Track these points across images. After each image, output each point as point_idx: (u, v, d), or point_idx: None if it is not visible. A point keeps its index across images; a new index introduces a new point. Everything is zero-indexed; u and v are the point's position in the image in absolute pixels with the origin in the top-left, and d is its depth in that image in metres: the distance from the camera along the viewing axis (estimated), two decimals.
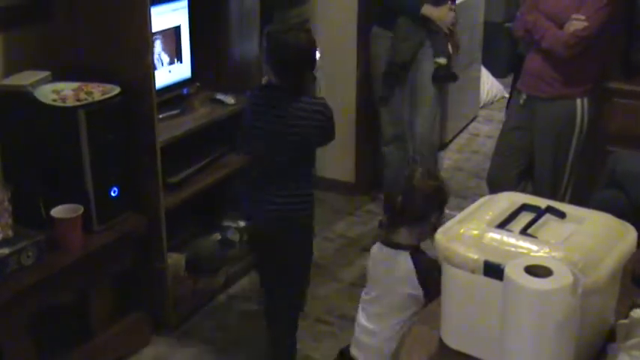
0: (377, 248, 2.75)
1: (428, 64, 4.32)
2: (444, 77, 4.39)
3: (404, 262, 2.60)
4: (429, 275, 2.44)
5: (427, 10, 4.20)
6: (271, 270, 3.28)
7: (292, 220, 3.15)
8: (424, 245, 2.68)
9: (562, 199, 3.71)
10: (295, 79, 3.07)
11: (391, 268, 2.65)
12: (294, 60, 3.05)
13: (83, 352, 3.25)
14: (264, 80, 3.85)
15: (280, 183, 3.10)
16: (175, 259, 3.71)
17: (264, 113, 3.07)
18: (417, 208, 2.62)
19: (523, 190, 3.82)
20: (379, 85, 4.47)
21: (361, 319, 2.76)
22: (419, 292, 2.56)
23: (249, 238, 3.63)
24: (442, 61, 4.30)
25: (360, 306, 2.83)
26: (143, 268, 3.48)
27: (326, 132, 3.17)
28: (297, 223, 3.18)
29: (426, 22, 4.24)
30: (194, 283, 3.87)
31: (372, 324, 2.71)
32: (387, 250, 2.69)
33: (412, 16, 4.22)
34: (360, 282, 4.07)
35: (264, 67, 3.30)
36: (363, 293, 2.84)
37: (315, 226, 3.42)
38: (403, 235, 2.65)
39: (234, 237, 4.19)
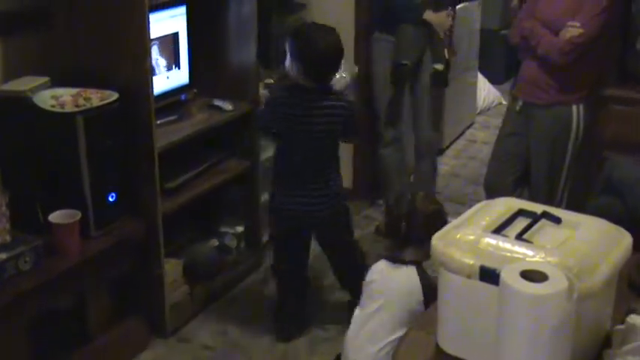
0: (383, 264, 2.78)
1: (428, 67, 4.38)
2: (438, 82, 4.44)
3: (410, 277, 2.64)
4: (433, 292, 2.46)
5: (427, 15, 4.24)
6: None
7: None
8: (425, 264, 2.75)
9: (558, 205, 3.72)
10: (327, 78, 3.32)
11: (397, 283, 2.67)
12: (326, 59, 3.28)
13: (81, 356, 3.25)
14: (273, 80, 4.19)
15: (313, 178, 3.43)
16: (173, 265, 3.71)
17: (298, 115, 3.32)
18: (420, 230, 2.67)
19: (519, 196, 3.83)
20: (381, 88, 4.52)
21: (352, 334, 2.78)
22: (421, 308, 2.58)
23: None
24: (439, 67, 4.32)
25: (354, 321, 2.84)
26: (141, 273, 3.48)
27: (351, 125, 3.43)
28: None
29: (428, 28, 4.27)
30: (191, 288, 3.87)
31: (368, 340, 2.73)
32: (393, 266, 2.71)
33: (415, 21, 4.25)
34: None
35: (287, 66, 3.36)
36: (357, 310, 2.86)
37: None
38: (409, 254, 2.69)
39: (232, 243, 4.19)
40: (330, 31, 3.30)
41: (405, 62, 4.28)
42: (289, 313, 3.71)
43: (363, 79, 4.65)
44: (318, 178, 3.44)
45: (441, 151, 5.76)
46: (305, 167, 3.42)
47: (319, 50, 3.25)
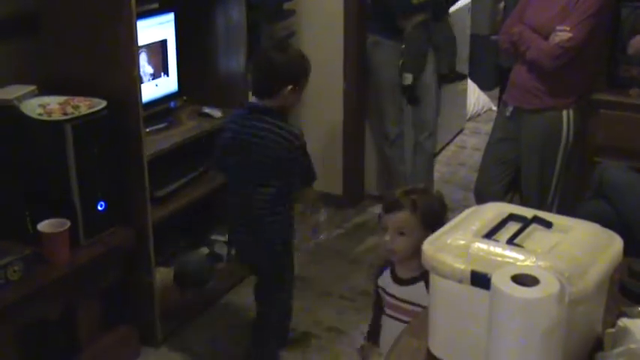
0: (394, 289, 2.61)
1: (430, 65, 4.54)
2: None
3: (422, 292, 2.47)
4: None
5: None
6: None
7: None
8: None
9: (549, 210, 3.71)
10: (263, 89, 3.13)
11: (414, 302, 2.54)
12: (261, 78, 3.14)
13: None
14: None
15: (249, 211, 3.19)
16: (163, 273, 3.71)
17: (238, 132, 3.15)
18: (436, 213, 2.53)
19: (510, 201, 3.84)
20: (389, 94, 4.65)
21: None
22: None
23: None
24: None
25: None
26: (131, 281, 3.47)
27: (298, 164, 3.16)
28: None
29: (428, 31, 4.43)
30: (182, 296, 3.86)
31: None
32: (404, 289, 2.56)
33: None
34: (349, 295, 4.08)
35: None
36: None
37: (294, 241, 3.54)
38: (415, 266, 2.47)
39: (222, 251, 4.18)
40: (287, 45, 3.32)
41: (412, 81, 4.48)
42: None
43: (350, 88, 4.69)
44: (245, 216, 3.24)
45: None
46: (234, 198, 3.28)
47: (257, 68, 3.20)
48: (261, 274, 3.40)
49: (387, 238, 2.47)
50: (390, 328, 2.54)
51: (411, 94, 4.56)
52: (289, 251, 3.45)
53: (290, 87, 3.08)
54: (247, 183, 3.16)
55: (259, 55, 3.28)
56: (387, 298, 2.57)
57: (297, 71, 3.13)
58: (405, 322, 2.40)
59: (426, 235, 1.77)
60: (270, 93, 3.10)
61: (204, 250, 4.15)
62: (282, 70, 3.09)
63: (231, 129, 3.19)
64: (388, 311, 2.58)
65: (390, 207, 2.51)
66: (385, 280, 2.59)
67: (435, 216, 2.41)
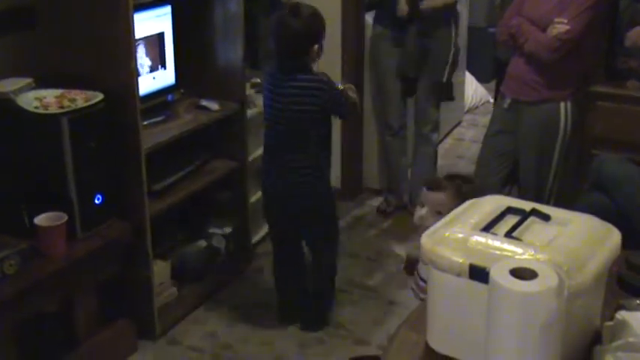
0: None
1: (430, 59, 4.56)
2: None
3: None
4: None
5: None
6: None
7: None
8: None
9: (547, 202, 3.72)
10: (292, 56, 3.31)
11: None
12: (280, 44, 3.31)
13: None
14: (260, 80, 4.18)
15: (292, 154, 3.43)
16: (161, 267, 3.70)
17: (269, 92, 3.41)
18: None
19: (508, 194, 3.84)
20: (391, 84, 4.70)
21: None
22: None
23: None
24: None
25: None
26: (128, 275, 3.46)
27: (331, 105, 3.37)
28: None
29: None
30: (180, 290, 3.86)
31: None
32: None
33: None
34: (346, 288, 4.08)
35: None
36: None
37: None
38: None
39: (220, 244, 4.17)
40: (302, 7, 3.31)
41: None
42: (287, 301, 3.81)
43: (348, 78, 4.68)
44: (290, 161, 3.45)
45: None
46: (278, 147, 3.48)
47: (274, 33, 3.33)
48: (319, 221, 3.61)
49: (424, 212, 2.54)
50: None
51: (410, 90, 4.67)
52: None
53: (316, 45, 3.31)
54: (296, 133, 3.40)
55: (278, 24, 3.33)
56: (419, 281, 2.58)
57: (316, 31, 3.32)
58: None
59: None
60: (296, 57, 3.31)
61: (202, 244, 4.14)
62: (304, 35, 3.27)
63: (268, 90, 3.43)
64: (421, 295, 2.58)
65: (435, 186, 2.58)
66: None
67: None
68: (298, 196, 3.49)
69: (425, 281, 2.50)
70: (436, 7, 4.38)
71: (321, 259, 3.72)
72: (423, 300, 2.49)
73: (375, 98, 4.98)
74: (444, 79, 4.56)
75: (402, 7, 4.33)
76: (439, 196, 2.53)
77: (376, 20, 4.68)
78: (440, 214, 2.45)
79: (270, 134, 3.51)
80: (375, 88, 4.91)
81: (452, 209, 2.42)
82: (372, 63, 4.81)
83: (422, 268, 2.57)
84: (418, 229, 2.51)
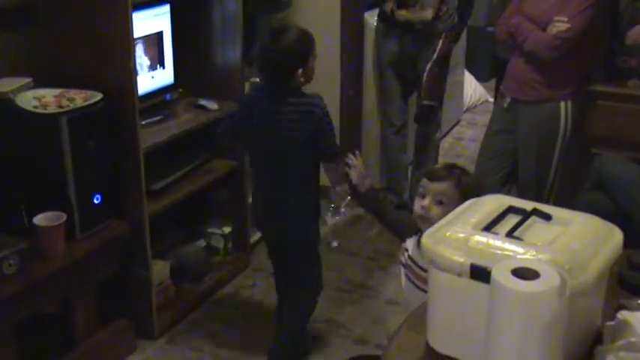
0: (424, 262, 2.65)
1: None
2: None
3: None
4: None
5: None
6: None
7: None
8: None
9: (547, 202, 3.72)
10: (275, 82, 3.14)
11: None
12: (269, 67, 3.14)
13: None
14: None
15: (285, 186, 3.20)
16: (160, 266, 3.69)
17: (259, 114, 3.17)
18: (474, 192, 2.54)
19: (508, 193, 3.83)
20: (394, 81, 4.74)
21: None
22: None
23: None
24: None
25: None
26: (127, 275, 3.46)
27: (322, 127, 3.13)
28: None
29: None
30: (179, 290, 3.85)
31: None
32: None
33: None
34: (345, 287, 4.07)
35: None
36: None
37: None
38: None
39: (219, 244, 4.17)
40: (284, 32, 3.16)
41: (431, 104, 4.58)
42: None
43: (348, 79, 4.68)
44: (275, 193, 3.24)
45: None
46: (264, 177, 3.29)
47: (263, 53, 3.22)
48: (299, 252, 3.39)
49: (426, 202, 2.52)
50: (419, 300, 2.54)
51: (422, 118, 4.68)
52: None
53: (300, 70, 3.09)
54: (280, 160, 3.17)
55: (261, 49, 3.26)
56: (418, 270, 2.57)
57: (302, 53, 3.12)
58: None
59: None
60: (282, 81, 3.11)
61: (201, 243, 4.15)
62: (288, 59, 3.09)
63: (256, 111, 3.18)
64: (420, 284, 2.57)
65: (436, 176, 2.57)
66: (416, 253, 2.59)
67: (473, 194, 2.42)
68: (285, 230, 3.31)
69: (426, 270, 2.50)
70: (411, 20, 4.41)
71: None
72: (423, 290, 2.50)
73: (376, 96, 4.98)
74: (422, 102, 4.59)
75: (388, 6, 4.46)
76: (441, 186, 2.53)
77: (379, 17, 4.69)
78: (441, 204, 2.49)
79: (259, 172, 3.32)
80: (377, 85, 4.92)
81: (453, 199, 2.45)
82: (375, 60, 4.84)
83: (418, 257, 2.57)
84: (420, 220, 2.52)
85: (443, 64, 4.53)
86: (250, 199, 4.09)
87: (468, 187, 2.51)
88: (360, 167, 2.93)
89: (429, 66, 4.46)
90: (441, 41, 4.43)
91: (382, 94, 4.89)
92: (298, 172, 3.20)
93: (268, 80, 3.18)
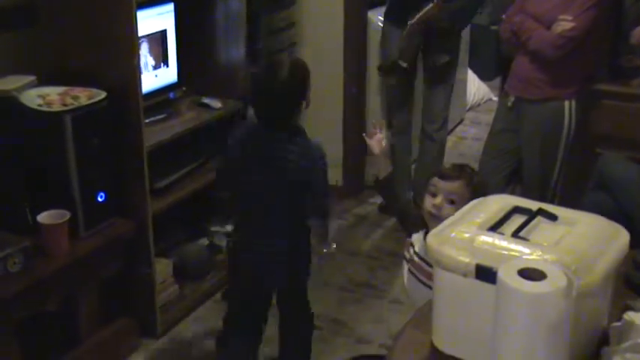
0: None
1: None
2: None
3: None
4: None
5: None
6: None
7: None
8: None
9: (551, 201, 3.71)
10: (278, 118, 2.89)
11: None
12: (273, 109, 2.88)
13: (71, 358, 3.22)
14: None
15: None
16: (163, 265, 3.69)
17: (253, 152, 2.92)
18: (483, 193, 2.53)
19: (512, 192, 3.83)
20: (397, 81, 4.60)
21: None
22: None
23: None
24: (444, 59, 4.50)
25: None
26: (130, 273, 3.46)
27: (321, 178, 2.95)
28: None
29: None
30: (182, 288, 3.85)
31: None
32: None
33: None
34: (348, 286, 4.07)
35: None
36: None
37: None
38: None
39: (222, 242, 4.16)
40: (279, 66, 2.88)
41: (404, 65, 4.42)
42: None
43: (351, 76, 4.67)
44: (271, 239, 2.98)
45: None
46: (254, 221, 3.01)
47: (258, 90, 2.93)
48: (294, 295, 3.20)
49: (438, 201, 2.51)
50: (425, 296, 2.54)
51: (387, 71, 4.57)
52: None
53: (303, 103, 2.91)
54: (278, 200, 2.93)
55: (260, 85, 2.95)
56: (425, 265, 2.57)
57: (303, 86, 2.90)
58: None
59: None
60: (287, 116, 2.90)
61: (204, 242, 4.14)
62: (292, 96, 2.87)
63: (251, 147, 2.93)
64: (426, 280, 2.57)
65: (448, 175, 2.57)
66: (423, 249, 2.59)
67: (481, 194, 2.41)
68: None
69: (430, 265, 2.50)
70: (422, 20, 4.33)
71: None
72: (427, 286, 2.50)
73: (382, 95, 4.95)
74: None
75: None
76: (453, 185, 2.53)
77: (385, 17, 4.66)
78: (453, 203, 2.49)
79: (247, 214, 3.04)
80: (382, 84, 4.88)
81: (464, 197, 2.46)
82: (380, 59, 4.79)
83: (421, 247, 2.58)
84: (430, 218, 2.52)
85: (421, 25, 4.39)
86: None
87: (478, 187, 2.53)
88: (381, 139, 2.85)
89: (410, 24, 4.36)
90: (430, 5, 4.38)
91: (384, 95, 4.86)
92: (294, 216, 2.98)
93: (269, 116, 2.90)
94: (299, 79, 2.88)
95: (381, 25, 4.75)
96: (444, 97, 4.67)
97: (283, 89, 2.83)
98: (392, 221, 4.82)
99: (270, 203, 2.93)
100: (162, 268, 3.68)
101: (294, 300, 3.20)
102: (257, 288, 3.12)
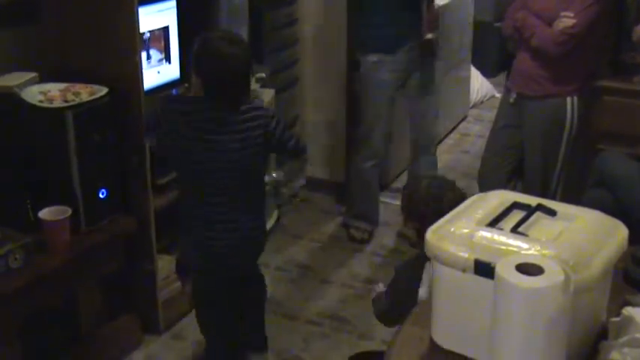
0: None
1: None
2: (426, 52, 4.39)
3: None
4: None
5: None
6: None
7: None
8: None
9: (552, 197, 3.71)
10: (239, 91, 2.85)
11: None
12: (234, 75, 2.81)
13: (73, 355, 3.23)
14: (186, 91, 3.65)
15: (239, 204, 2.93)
16: (165, 261, 3.69)
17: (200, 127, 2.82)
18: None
19: (513, 189, 3.82)
20: (385, 113, 4.39)
21: None
22: None
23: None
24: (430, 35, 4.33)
25: None
26: (132, 269, 3.46)
27: (281, 130, 2.94)
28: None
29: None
30: (184, 284, 3.84)
31: None
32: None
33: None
34: (350, 283, 4.07)
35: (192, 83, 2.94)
36: None
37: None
38: None
39: None
40: (236, 43, 2.84)
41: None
42: None
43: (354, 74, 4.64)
44: (231, 215, 2.92)
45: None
46: (209, 197, 2.92)
47: (220, 66, 2.80)
48: (254, 276, 3.27)
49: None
50: None
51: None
52: None
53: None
54: (233, 176, 2.87)
55: (218, 57, 2.81)
56: None
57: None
58: None
59: None
60: (246, 88, 2.89)
61: None
62: (250, 65, 2.88)
63: (196, 123, 2.82)
64: None
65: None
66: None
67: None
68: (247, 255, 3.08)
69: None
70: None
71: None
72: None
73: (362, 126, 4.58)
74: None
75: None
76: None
77: (370, 49, 4.34)
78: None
79: (210, 193, 2.90)
80: (364, 114, 4.50)
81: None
82: (363, 95, 4.48)
83: None
84: None
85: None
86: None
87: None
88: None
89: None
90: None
91: (365, 125, 4.49)
92: (253, 187, 2.96)
93: (228, 89, 2.81)
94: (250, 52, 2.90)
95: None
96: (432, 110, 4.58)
97: (248, 57, 2.84)
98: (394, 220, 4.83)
99: (231, 176, 2.87)
100: (165, 264, 3.67)
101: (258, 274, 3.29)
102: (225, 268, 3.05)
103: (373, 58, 4.25)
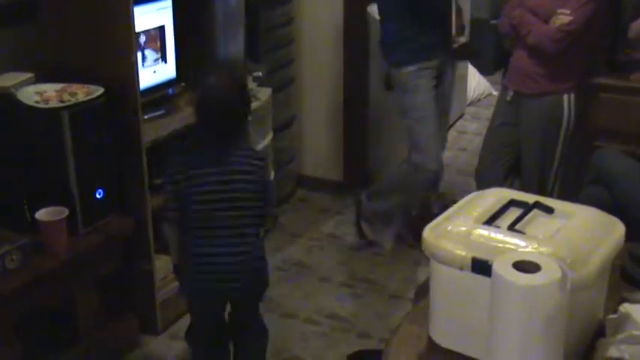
0: None
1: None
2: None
3: None
4: None
5: None
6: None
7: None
8: None
9: (550, 195, 3.71)
10: (232, 126, 2.80)
11: None
12: (224, 109, 2.77)
13: (71, 355, 3.22)
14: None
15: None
16: (163, 261, 3.68)
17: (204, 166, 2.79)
18: None
19: (510, 187, 3.82)
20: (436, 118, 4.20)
21: None
22: None
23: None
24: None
25: None
26: (130, 270, 3.45)
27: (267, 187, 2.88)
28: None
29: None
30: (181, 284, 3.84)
31: None
32: None
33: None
34: (349, 282, 4.07)
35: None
36: None
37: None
38: None
39: None
40: (223, 73, 2.85)
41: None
42: None
43: (354, 67, 4.64)
44: (234, 248, 2.84)
45: None
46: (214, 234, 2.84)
47: (207, 98, 2.80)
48: (253, 298, 3.10)
49: None
50: None
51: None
52: None
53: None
54: (236, 211, 2.81)
55: (207, 91, 2.83)
56: None
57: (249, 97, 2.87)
58: None
59: None
60: (241, 123, 2.85)
61: None
62: (243, 96, 2.82)
63: (201, 167, 2.79)
64: None
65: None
66: None
67: None
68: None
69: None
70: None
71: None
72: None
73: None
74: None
75: None
76: None
77: (410, 62, 4.14)
78: None
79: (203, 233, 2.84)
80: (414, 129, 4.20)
81: None
82: (410, 103, 4.18)
83: None
84: None
85: None
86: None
87: None
88: None
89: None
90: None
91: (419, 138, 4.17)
92: (252, 220, 2.86)
93: (222, 125, 2.78)
94: (245, 80, 2.86)
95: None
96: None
97: (238, 89, 2.79)
98: None
99: (234, 212, 2.80)
100: (162, 264, 3.67)
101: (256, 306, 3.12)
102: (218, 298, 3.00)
103: (413, 67, 4.07)
